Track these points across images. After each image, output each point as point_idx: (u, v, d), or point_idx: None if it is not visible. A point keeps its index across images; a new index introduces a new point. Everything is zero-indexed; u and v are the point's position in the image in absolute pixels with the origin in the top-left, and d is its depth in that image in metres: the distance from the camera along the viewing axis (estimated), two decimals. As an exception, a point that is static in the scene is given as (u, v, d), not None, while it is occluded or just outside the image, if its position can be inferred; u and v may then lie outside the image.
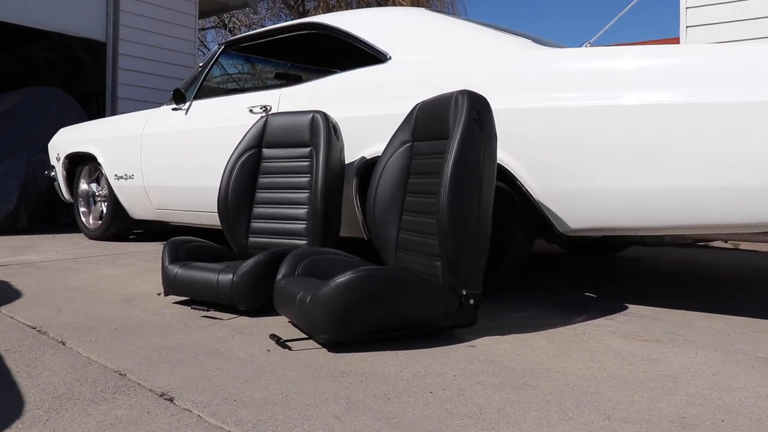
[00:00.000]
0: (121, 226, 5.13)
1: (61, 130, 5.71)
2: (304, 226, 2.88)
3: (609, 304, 2.81)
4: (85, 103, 11.51)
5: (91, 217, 5.41)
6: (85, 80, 11.53)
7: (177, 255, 2.72)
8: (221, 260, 2.90)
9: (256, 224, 3.00)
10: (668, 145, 2.28)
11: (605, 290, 3.16)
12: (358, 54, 3.50)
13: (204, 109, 4.13)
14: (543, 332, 2.29)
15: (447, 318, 2.11)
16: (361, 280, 1.94)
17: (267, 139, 3.05)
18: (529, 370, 1.86)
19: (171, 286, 2.62)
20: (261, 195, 3.02)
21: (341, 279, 1.94)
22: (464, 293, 2.12)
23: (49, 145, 5.78)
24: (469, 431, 1.43)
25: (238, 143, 3.09)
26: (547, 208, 2.58)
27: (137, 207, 4.78)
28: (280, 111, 3.49)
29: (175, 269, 2.62)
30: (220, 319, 2.44)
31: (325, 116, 2.91)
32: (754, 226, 2.26)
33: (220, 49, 4.34)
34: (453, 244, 2.06)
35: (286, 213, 2.94)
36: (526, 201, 2.76)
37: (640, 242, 3.10)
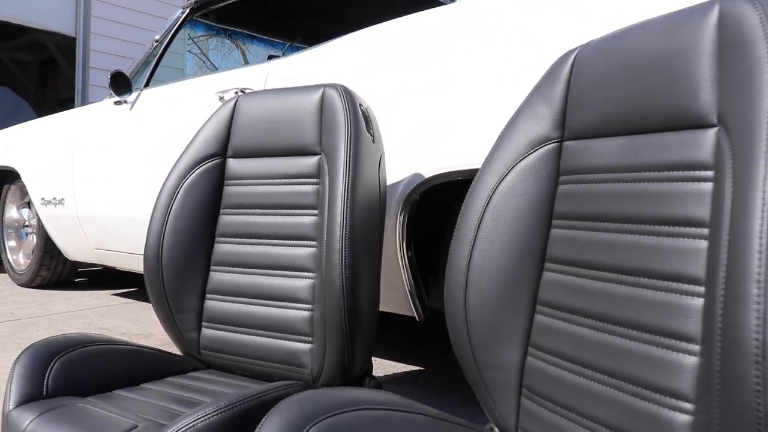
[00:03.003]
0: (56, 268, 3.70)
1: (-12, 138, 4.30)
2: (306, 313, 1.44)
3: None
4: (63, 109, 10.19)
5: (21, 255, 3.98)
6: (61, 85, 10.23)
7: (41, 382, 1.29)
8: (150, 380, 1.48)
9: (214, 303, 1.56)
10: None
11: None
12: (397, 3, 2.09)
13: (156, 101, 2.71)
14: None
15: None
16: None
17: (236, 141, 1.62)
18: None
19: (13, 461, 1.20)
20: (224, 248, 1.58)
21: None
22: None
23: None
24: None
25: (183, 150, 1.66)
26: None
27: (71, 244, 3.36)
28: (265, 95, 2.07)
29: (26, 421, 1.19)
30: None
31: (349, 95, 1.47)
32: None
33: (184, 15, 2.92)
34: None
35: (271, 286, 1.50)
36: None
37: None
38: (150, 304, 3.26)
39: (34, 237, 3.82)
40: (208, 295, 1.58)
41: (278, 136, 1.55)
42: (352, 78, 1.86)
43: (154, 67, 2.91)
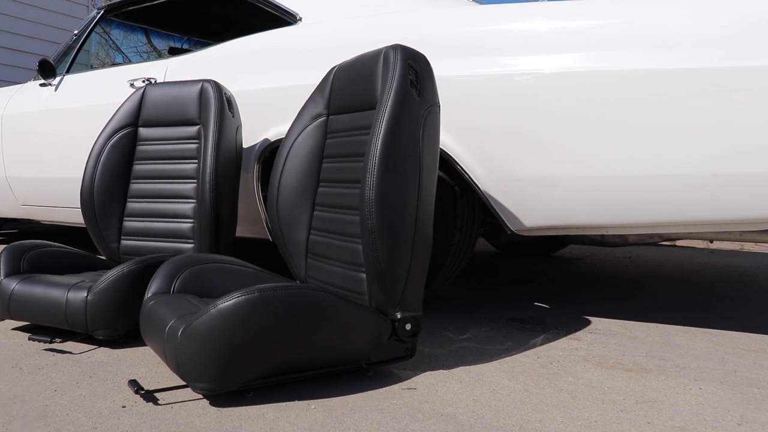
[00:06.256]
0: (-17, 225, 4.35)
1: None
2: (190, 225, 2.27)
3: (567, 317, 2.32)
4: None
5: (-51, 215, 4.58)
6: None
7: (18, 265, 2.06)
8: (85, 270, 2.26)
9: (130, 223, 2.36)
10: (660, 120, 1.80)
11: (556, 298, 2.68)
12: (262, 17, 2.90)
13: (77, 84, 3.43)
14: (500, 362, 1.77)
15: (376, 350, 1.56)
16: (252, 305, 1.35)
17: (144, 115, 2.41)
18: (496, 427, 1.32)
19: (6, 307, 1.97)
20: (136, 186, 2.38)
21: (225, 304, 1.35)
22: (399, 316, 1.57)
23: None
24: None
25: (108, 121, 2.43)
26: (497, 201, 2.06)
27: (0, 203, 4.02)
28: (164, 84, 2.85)
29: (12, 284, 1.96)
30: (70, 353, 1.81)
31: (218, 86, 2.30)
32: (758, 222, 1.80)
33: (99, 15, 3.64)
34: (384, 250, 1.50)
35: (167, 209, 2.31)
36: (469, 192, 2.24)
37: (596, 243, 2.63)
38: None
39: (-38, 199, 4.43)
40: (125, 218, 2.37)
41: (173, 112, 2.35)
42: (223, 76, 2.67)
43: (74, 57, 3.61)
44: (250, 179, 2.53)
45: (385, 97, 1.56)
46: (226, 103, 2.27)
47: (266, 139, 2.46)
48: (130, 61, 3.32)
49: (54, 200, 3.59)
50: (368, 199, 1.49)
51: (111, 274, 1.82)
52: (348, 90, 1.81)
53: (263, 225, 2.62)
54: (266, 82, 2.50)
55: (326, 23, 2.47)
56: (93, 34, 3.71)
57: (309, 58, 2.42)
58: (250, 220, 2.67)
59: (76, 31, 3.70)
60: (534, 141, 1.95)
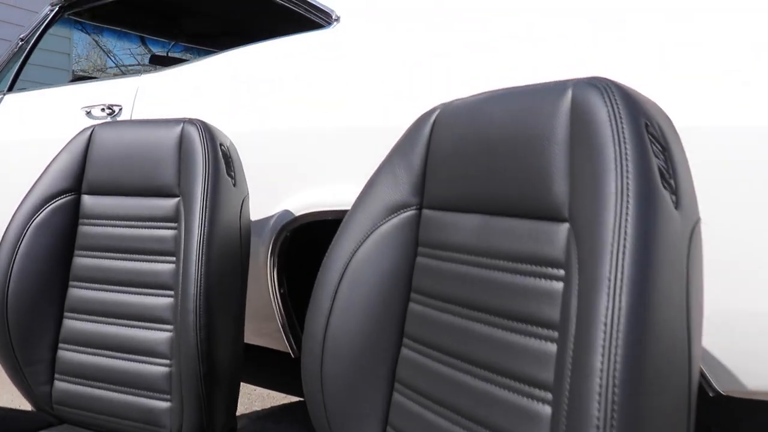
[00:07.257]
0: None
1: None
2: (165, 369, 1.35)
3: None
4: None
5: None
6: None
7: None
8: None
9: (67, 354, 1.44)
10: None
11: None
12: (280, 16, 2.01)
13: (18, 108, 2.51)
14: None
15: None
16: None
17: (91, 175, 1.49)
18: None
19: None
20: (78, 293, 1.46)
21: None
22: None
23: None
24: None
25: (34, 184, 1.52)
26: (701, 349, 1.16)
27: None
28: (132, 117, 1.95)
29: None
30: None
31: (209, 132, 1.37)
32: None
33: (53, 13, 2.72)
34: None
35: (128, 337, 1.39)
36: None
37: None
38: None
39: None
40: (61, 345, 1.46)
41: (136, 173, 1.44)
42: (216, 105, 1.76)
43: (19, 69, 2.70)
44: (260, 271, 1.63)
45: (607, 198, 0.65)
46: (222, 162, 1.35)
47: (287, 212, 1.55)
48: (86, 77, 2.38)
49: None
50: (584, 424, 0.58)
51: None
52: (476, 160, 0.89)
53: (281, 333, 1.72)
54: (290, 119, 1.58)
55: (384, 28, 1.56)
56: (60, 38, 2.77)
57: (358, 80, 1.51)
58: (261, 319, 1.76)
59: (22, 35, 2.79)
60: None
